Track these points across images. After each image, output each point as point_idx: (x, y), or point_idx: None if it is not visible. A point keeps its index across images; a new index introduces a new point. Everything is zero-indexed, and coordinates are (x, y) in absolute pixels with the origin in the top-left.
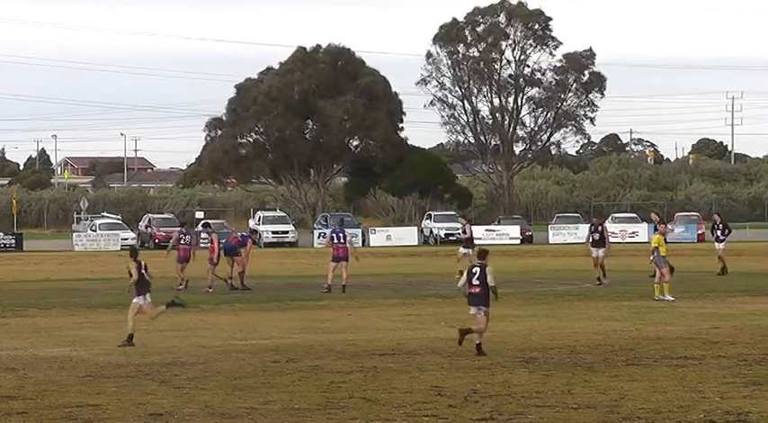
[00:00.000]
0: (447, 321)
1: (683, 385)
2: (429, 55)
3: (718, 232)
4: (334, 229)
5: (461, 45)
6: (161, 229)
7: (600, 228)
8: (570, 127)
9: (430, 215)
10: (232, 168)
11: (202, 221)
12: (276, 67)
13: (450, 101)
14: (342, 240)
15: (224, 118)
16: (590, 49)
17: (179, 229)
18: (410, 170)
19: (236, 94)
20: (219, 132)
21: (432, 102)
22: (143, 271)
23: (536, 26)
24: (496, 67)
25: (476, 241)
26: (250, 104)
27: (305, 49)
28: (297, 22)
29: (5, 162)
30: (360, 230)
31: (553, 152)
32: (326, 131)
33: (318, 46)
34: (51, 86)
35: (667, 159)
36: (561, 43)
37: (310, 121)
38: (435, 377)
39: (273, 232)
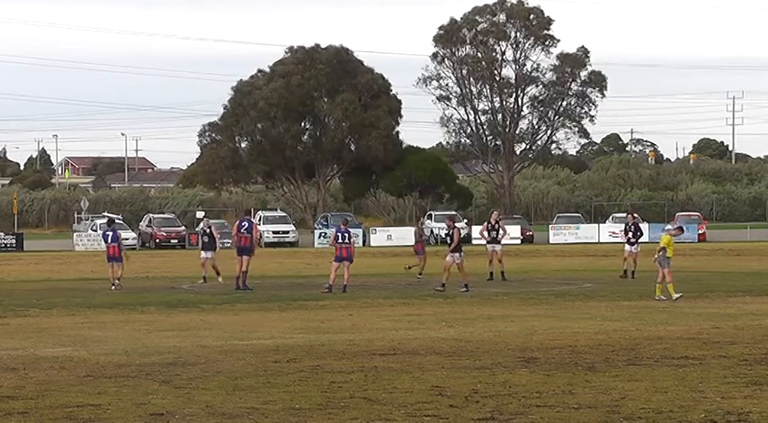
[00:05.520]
0: (448, 321)
1: (683, 385)
2: (435, 56)
3: (630, 234)
4: (338, 229)
5: (461, 45)
6: (162, 228)
7: (451, 231)
8: (571, 127)
9: (430, 215)
10: (229, 173)
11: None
12: (273, 68)
13: (450, 101)
14: (346, 240)
15: (219, 122)
16: (583, 47)
17: None
18: (410, 170)
19: (232, 97)
20: (215, 137)
21: (432, 102)
22: None
23: (535, 25)
24: (497, 66)
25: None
26: (248, 108)
27: (303, 48)
28: (297, 23)
29: (6, 162)
30: (361, 230)
31: (553, 152)
32: (325, 132)
33: (317, 45)
34: (52, 86)
35: (668, 159)
36: (559, 40)
37: (309, 122)
38: (436, 377)
39: (274, 232)
